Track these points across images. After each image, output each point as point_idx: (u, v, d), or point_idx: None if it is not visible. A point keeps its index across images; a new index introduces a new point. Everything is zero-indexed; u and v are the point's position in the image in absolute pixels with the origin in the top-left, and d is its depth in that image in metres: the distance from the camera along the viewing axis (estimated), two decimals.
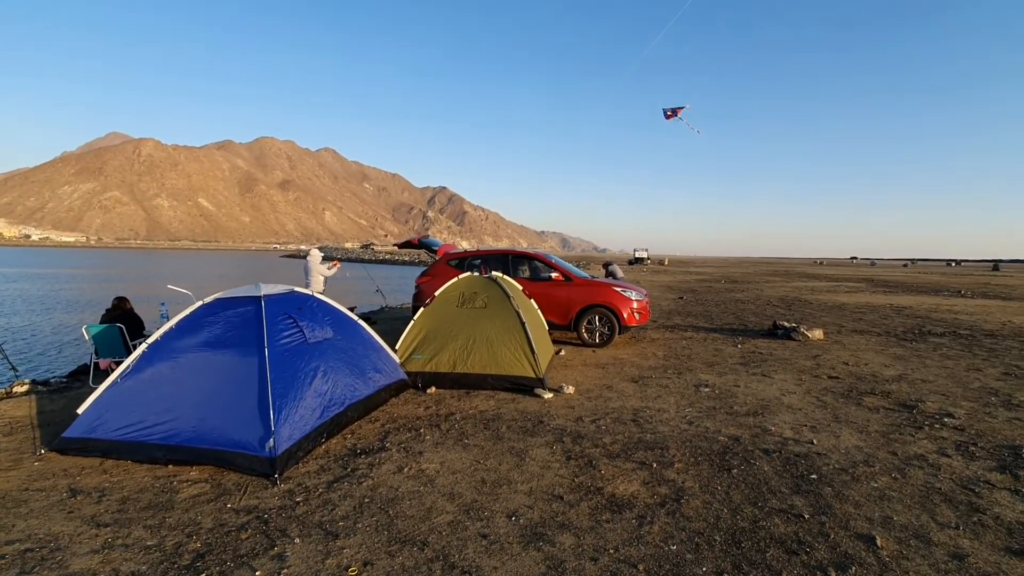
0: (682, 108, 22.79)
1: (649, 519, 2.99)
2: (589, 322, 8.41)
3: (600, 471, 3.65)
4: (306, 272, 8.70)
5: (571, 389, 5.72)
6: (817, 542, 2.75)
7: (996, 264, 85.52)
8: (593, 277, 9.47)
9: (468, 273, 6.79)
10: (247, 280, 6.28)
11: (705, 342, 9.07)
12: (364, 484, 3.42)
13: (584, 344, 8.46)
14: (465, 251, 9.62)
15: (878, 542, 2.73)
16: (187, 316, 4.03)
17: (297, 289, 4.76)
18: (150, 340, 3.93)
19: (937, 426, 4.60)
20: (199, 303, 4.14)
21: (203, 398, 3.60)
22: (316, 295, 4.93)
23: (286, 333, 4.08)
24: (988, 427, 4.58)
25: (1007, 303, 16.91)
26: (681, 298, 18.17)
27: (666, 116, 23.37)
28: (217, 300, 4.12)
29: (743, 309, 14.61)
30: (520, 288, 7.10)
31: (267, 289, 4.36)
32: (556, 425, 4.63)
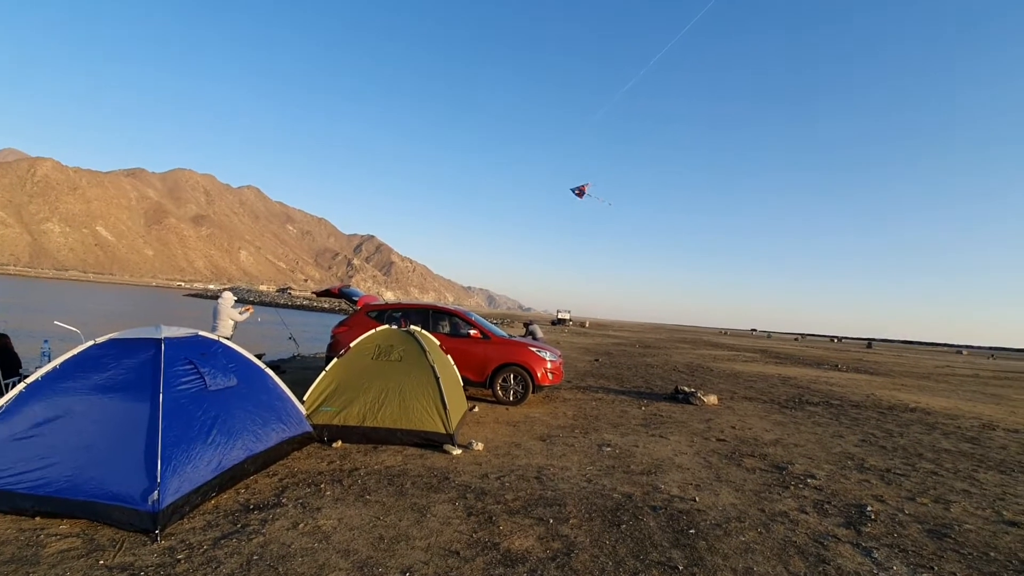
0: (587, 185, 24.82)
1: (540, 573, 3.13)
2: (504, 380, 8.61)
3: (499, 527, 3.75)
4: (214, 315, 8.28)
5: (480, 446, 5.82)
6: None
7: (870, 342, 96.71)
8: (512, 336, 9.77)
9: (387, 326, 6.83)
10: (143, 319, 5.94)
11: (613, 404, 9.52)
12: (254, 541, 3.30)
13: (498, 402, 8.61)
14: (386, 303, 9.64)
15: None
16: (74, 356, 3.78)
17: (202, 333, 4.61)
18: (28, 380, 3.63)
19: (801, 486, 5.16)
20: (90, 343, 3.90)
21: (83, 446, 3.35)
22: (222, 340, 4.78)
23: (185, 379, 3.93)
24: (842, 487, 5.20)
25: (873, 377, 19.18)
26: (597, 360, 18.91)
27: (576, 194, 25.25)
28: (111, 340, 3.91)
29: (651, 373, 15.48)
30: (438, 343, 7.22)
31: (168, 331, 4.20)
32: (461, 481, 4.69)
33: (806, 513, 4.42)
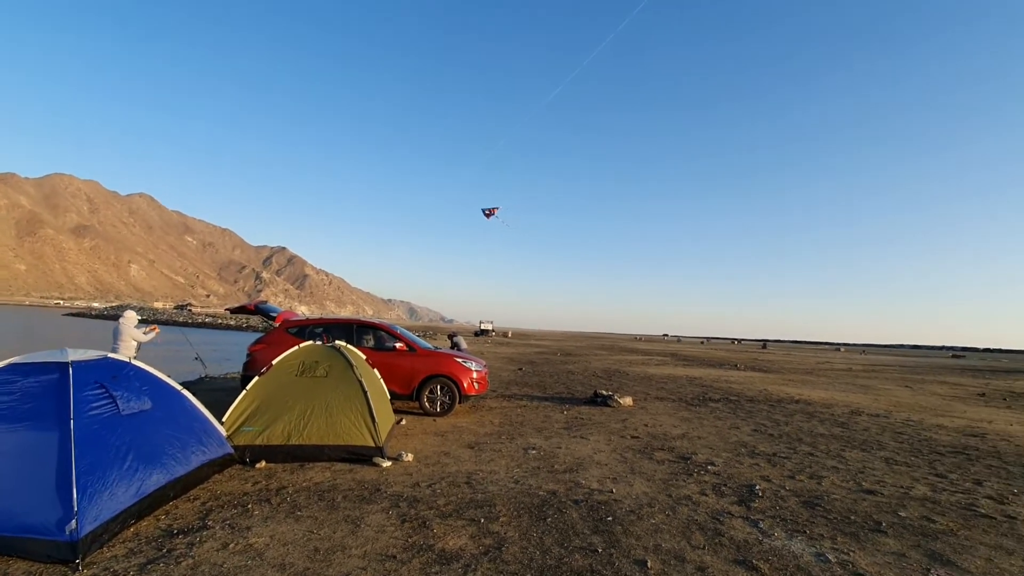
0: (496, 208, 25.88)
1: (473, 567, 3.36)
2: (431, 392, 8.72)
3: (433, 530, 3.92)
4: (115, 336, 7.66)
5: (410, 457, 5.92)
6: (605, 569, 3.37)
7: (765, 343, 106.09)
8: (437, 348, 9.90)
9: (310, 342, 6.75)
10: (20, 343, 5.48)
11: (537, 410, 9.93)
12: (183, 564, 3.24)
13: (426, 413, 8.70)
14: (307, 319, 9.42)
15: (648, 564, 3.45)
16: None
17: (111, 355, 4.38)
18: None
19: (702, 472, 5.78)
20: None
21: None
22: (134, 362, 4.56)
23: (96, 404, 3.74)
24: (736, 471, 5.89)
25: (766, 375, 21.27)
26: (520, 369, 19.39)
27: (485, 215, 26.13)
28: (10, 366, 3.64)
29: (572, 379, 16.16)
30: (364, 357, 7.23)
31: (75, 355, 3.97)
32: (393, 491, 4.80)
33: (706, 495, 4.99)
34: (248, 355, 8.50)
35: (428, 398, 8.71)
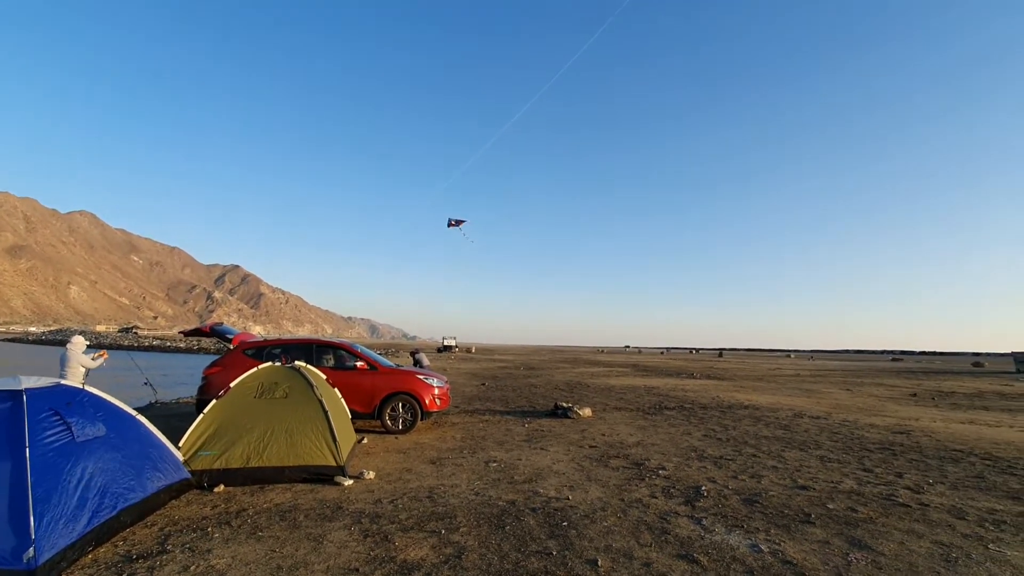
0: (463, 221, 26.31)
1: (434, 574, 3.52)
2: (392, 409, 8.78)
3: (394, 543, 4.06)
4: (62, 362, 7.41)
5: (372, 474, 6.01)
6: (559, 569, 3.60)
7: (721, 352, 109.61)
8: (398, 366, 9.97)
9: (269, 363, 6.75)
10: None
11: (499, 424, 10.11)
12: None
13: (387, 431, 8.75)
14: (265, 340, 9.34)
15: (599, 563, 3.70)
16: None
17: (64, 382, 4.34)
18: None
19: (654, 477, 6.11)
20: None
21: None
22: (88, 389, 4.52)
23: (51, 431, 3.73)
24: (685, 474, 6.25)
25: (720, 382, 22.13)
26: (483, 384, 19.51)
27: (449, 224, 26.49)
28: None
29: (535, 393, 16.41)
30: (324, 377, 7.26)
31: (28, 382, 3.93)
32: (355, 509, 4.89)
33: (656, 498, 5.30)
34: (203, 379, 8.36)
35: (390, 416, 8.76)
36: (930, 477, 6.22)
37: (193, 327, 9.37)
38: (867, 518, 4.73)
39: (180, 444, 5.36)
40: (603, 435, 8.88)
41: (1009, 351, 46.07)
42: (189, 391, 17.08)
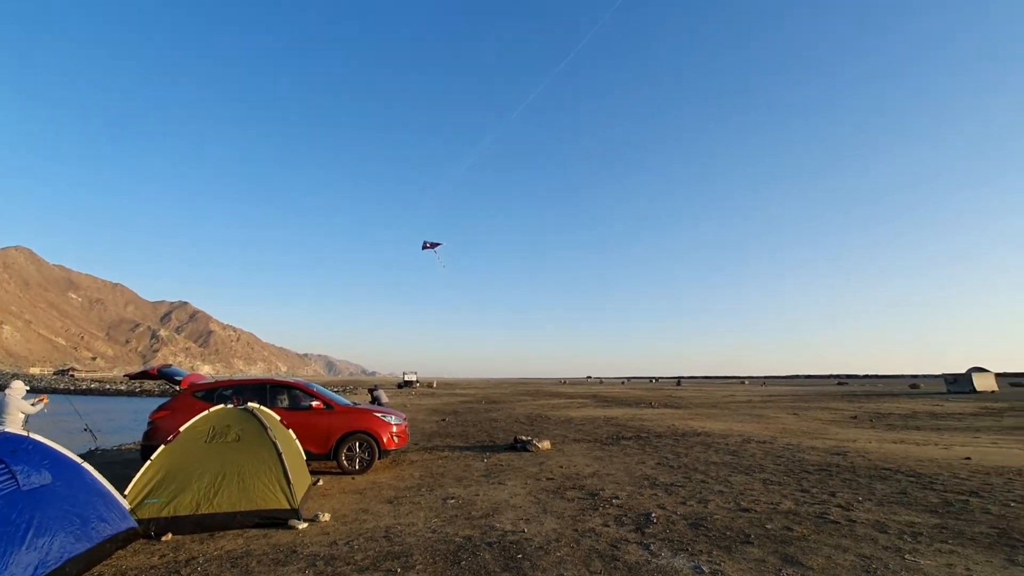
0: (439, 244, 26.47)
1: None
2: (349, 449, 8.68)
3: None
4: (0, 409, 7.02)
5: (327, 516, 5.95)
6: None
7: (679, 380, 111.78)
8: (356, 404, 9.88)
9: (221, 406, 6.64)
10: None
11: (458, 460, 10.10)
12: None
13: (344, 472, 8.62)
14: (216, 381, 9.11)
15: None
16: None
17: (8, 430, 4.21)
18: None
19: (607, 506, 6.31)
20: None
21: None
22: (33, 436, 4.39)
23: None
24: (637, 502, 6.48)
25: (676, 411, 22.69)
26: (443, 420, 19.33)
27: (424, 246, 26.59)
28: None
29: (495, 427, 16.41)
30: (278, 419, 7.17)
31: None
32: (310, 552, 4.85)
33: (608, 526, 5.49)
34: (150, 423, 8.07)
35: (346, 456, 8.65)
36: (860, 495, 6.68)
37: (139, 369, 9.04)
38: (801, 536, 5.06)
39: (126, 492, 5.20)
40: (561, 467, 9.03)
41: (940, 373, 49.24)
42: (133, 436, 16.20)
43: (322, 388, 9.75)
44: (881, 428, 14.96)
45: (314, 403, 8.89)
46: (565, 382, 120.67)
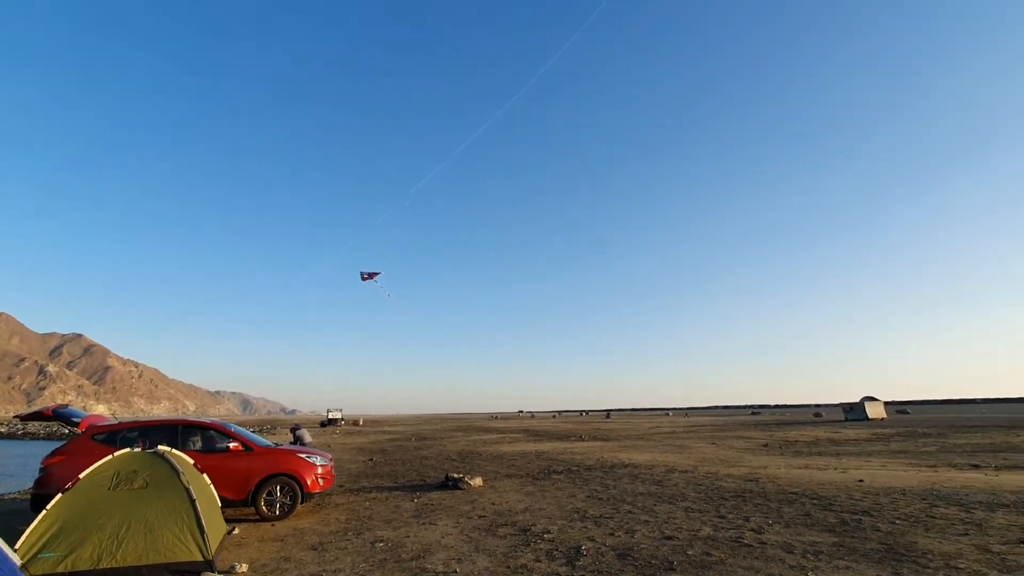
0: (378, 273, 25.88)
1: None
2: (269, 493, 8.17)
3: None
4: None
5: (244, 567, 5.56)
6: None
7: (608, 413, 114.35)
8: (277, 444, 9.35)
9: (127, 449, 6.10)
10: None
11: (387, 500, 9.77)
12: None
13: (263, 518, 8.08)
14: (119, 423, 8.34)
15: None
16: None
17: None
18: None
19: (539, 541, 6.36)
20: None
21: None
22: None
23: None
24: (568, 536, 6.58)
25: (605, 443, 23.20)
26: (371, 459, 18.58)
27: (362, 278, 25.90)
28: None
29: (425, 465, 16.01)
30: (191, 462, 6.67)
31: None
32: None
33: (540, 561, 5.55)
34: (42, 470, 7.22)
35: (266, 501, 8.13)
36: (770, 518, 7.17)
37: (32, 410, 8.09)
38: (718, 560, 5.37)
39: (17, 546, 4.62)
40: (493, 504, 8.97)
41: (839, 402, 53.88)
42: (20, 484, 14.31)
43: (240, 428, 9.18)
44: (789, 455, 16.11)
45: (231, 444, 8.34)
46: (497, 417, 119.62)
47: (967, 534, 6.04)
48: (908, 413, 61.97)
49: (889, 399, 61.50)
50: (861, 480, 10.23)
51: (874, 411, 44.87)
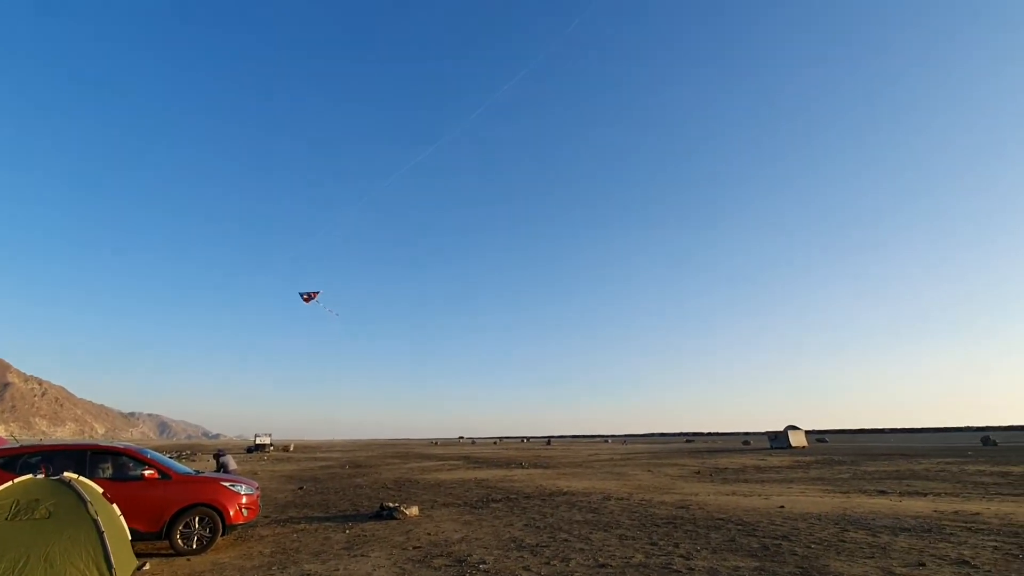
0: (317, 293, 25.10)
1: None
2: (186, 526, 7.62)
3: None
4: None
5: None
6: None
7: (549, 440, 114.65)
8: (199, 472, 8.77)
9: (28, 476, 5.55)
10: None
11: (316, 532, 9.32)
12: None
13: (178, 553, 7.50)
14: (21, 447, 7.57)
15: None
16: None
17: None
18: None
19: (475, 572, 6.28)
20: None
21: None
22: None
23: None
24: (504, 566, 6.54)
25: (545, 471, 23.22)
26: (301, 488, 17.68)
27: (304, 299, 25.03)
28: None
29: (359, 494, 15.41)
30: (101, 491, 6.14)
31: None
32: None
33: None
34: None
35: (182, 534, 7.57)
36: (698, 544, 7.44)
37: None
38: None
39: None
40: (428, 534, 8.77)
41: (765, 431, 56.70)
42: None
43: (157, 454, 8.56)
44: (718, 482, 16.76)
45: (147, 472, 7.76)
46: (437, 443, 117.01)
47: (873, 557, 6.52)
48: (827, 441, 66.18)
49: (810, 428, 65.40)
50: (782, 506, 10.81)
51: (796, 440, 47.59)
